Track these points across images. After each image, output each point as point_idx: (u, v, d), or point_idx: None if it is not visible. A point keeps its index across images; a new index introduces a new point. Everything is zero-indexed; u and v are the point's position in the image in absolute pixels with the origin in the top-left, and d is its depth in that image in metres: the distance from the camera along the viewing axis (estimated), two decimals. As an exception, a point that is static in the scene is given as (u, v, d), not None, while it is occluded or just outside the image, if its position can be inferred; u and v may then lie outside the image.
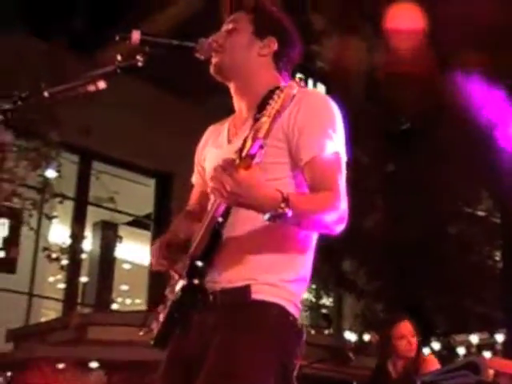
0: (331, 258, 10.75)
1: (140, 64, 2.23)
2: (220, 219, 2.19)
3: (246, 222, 2.19)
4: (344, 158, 2.22)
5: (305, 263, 2.27)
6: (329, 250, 10.24)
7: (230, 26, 2.41)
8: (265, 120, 1.94)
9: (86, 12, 8.76)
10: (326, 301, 12.55)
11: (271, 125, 1.94)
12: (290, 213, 1.98)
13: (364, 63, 11.25)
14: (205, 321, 2.19)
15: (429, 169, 10.25)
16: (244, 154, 1.96)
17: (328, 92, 12.62)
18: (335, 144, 2.18)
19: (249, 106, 2.34)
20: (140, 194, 12.03)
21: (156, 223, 11.99)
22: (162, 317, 2.28)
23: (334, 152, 2.17)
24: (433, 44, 9.65)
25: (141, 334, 2.35)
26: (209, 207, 2.23)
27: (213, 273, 2.20)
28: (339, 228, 2.15)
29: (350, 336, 10.58)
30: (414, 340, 4.64)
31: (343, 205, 2.12)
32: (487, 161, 9.31)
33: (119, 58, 2.22)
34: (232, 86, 2.42)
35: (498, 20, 7.94)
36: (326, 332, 12.32)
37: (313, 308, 12.30)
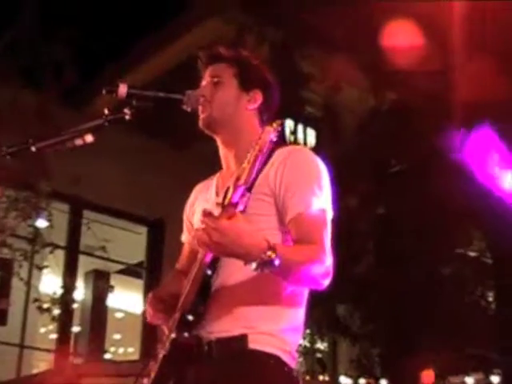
0: (324, 303, 10.71)
1: (127, 117, 2.26)
2: (209, 271, 2.19)
3: (236, 272, 2.18)
4: (330, 215, 2.25)
5: (298, 314, 2.28)
6: (322, 295, 10.22)
7: (215, 80, 2.44)
8: (244, 166, 1.97)
9: (76, 64, 8.79)
10: (321, 345, 12.46)
11: (251, 170, 1.97)
12: (277, 261, 1.98)
13: (355, 108, 11.35)
14: (201, 374, 2.16)
15: (420, 210, 10.27)
16: (226, 202, 1.98)
17: (318, 137, 12.69)
18: (321, 201, 2.22)
19: (236, 159, 2.38)
20: (132, 242, 11.99)
21: (148, 271, 11.93)
22: (152, 374, 2.24)
23: (319, 209, 2.21)
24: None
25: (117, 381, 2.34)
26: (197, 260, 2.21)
27: (205, 324, 2.19)
28: (325, 282, 2.17)
29: (346, 381, 10.51)
30: None
31: (329, 259, 2.15)
32: (479, 202, 9.34)
33: (106, 111, 2.24)
34: (219, 139, 2.45)
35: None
36: (321, 378, 12.20)
37: (307, 353, 12.19)
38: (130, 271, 12.41)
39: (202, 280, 2.18)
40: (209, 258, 2.15)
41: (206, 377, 2.14)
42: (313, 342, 11.97)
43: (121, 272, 12.40)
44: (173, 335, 2.20)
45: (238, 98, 2.42)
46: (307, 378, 11.23)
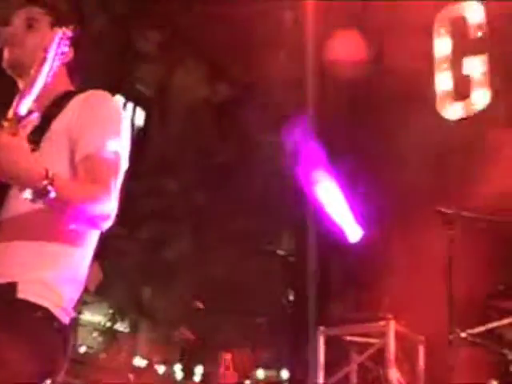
0: (129, 284, 10.69)
1: None
2: None
3: (18, 206, 2.10)
4: (124, 161, 2.23)
5: (76, 263, 2.21)
6: (127, 275, 10.20)
7: (29, 22, 2.37)
8: (31, 73, 1.93)
9: None
10: (121, 326, 12.40)
11: (35, 77, 1.92)
12: (52, 192, 1.91)
13: (187, 95, 11.37)
14: None
15: (237, 204, 10.46)
16: (10, 114, 1.92)
17: (147, 119, 12.62)
18: (114, 144, 2.18)
19: (37, 108, 2.30)
20: None
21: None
22: None
23: (111, 151, 2.17)
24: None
25: None
26: None
27: None
28: (105, 225, 2.14)
29: (140, 362, 10.52)
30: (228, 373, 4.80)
31: (112, 202, 2.11)
32: (290, 204, 9.61)
33: None
34: (21, 84, 2.37)
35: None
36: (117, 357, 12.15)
37: (106, 332, 12.10)
38: None
39: None
40: None
41: None
42: (113, 322, 11.89)
43: None
44: None
45: None
46: (104, 356, 11.17)
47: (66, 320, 2.17)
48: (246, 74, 10.27)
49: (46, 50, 1.98)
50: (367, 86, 7.54)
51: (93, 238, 2.27)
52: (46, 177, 1.92)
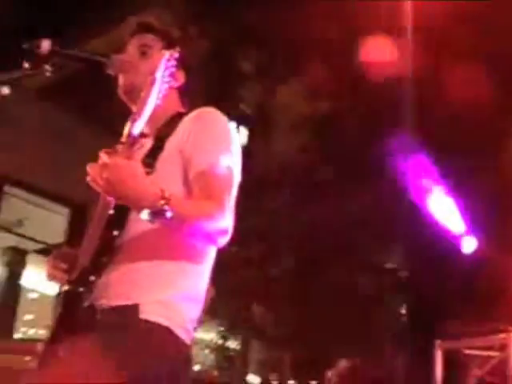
0: (240, 301, 10.76)
1: (48, 74, 2.20)
2: (115, 232, 2.14)
3: (136, 228, 2.14)
4: (237, 176, 2.24)
5: (195, 282, 2.23)
6: (237, 293, 10.27)
7: (143, 49, 2.42)
8: (141, 96, 1.96)
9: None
10: (232, 343, 12.48)
11: (145, 100, 1.97)
12: (169, 212, 1.94)
13: (288, 112, 11.42)
14: (92, 342, 2.06)
15: (343, 217, 10.41)
16: (123, 138, 1.96)
17: (251, 137, 12.73)
18: (228, 159, 2.20)
19: (150, 125, 2.35)
20: (52, 222, 11.79)
21: (66, 253, 11.73)
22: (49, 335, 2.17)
23: (224, 167, 2.19)
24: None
25: (27, 359, 2.24)
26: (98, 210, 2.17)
27: (102, 287, 2.13)
28: (222, 241, 2.15)
29: (253, 379, 10.55)
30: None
31: (227, 217, 2.12)
32: (401, 216, 9.50)
33: (26, 65, 2.18)
34: (134, 109, 2.41)
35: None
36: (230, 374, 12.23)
37: (218, 350, 12.20)
38: (48, 251, 12.18)
39: (102, 234, 2.14)
40: (110, 209, 2.10)
41: (96, 345, 2.04)
42: (225, 339, 11.98)
43: (38, 252, 12.16)
44: (65, 287, 2.15)
45: None
46: (215, 373, 11.26)
47: (188, 340, 2.19)
48: (346, 89, 10.26)
49: (153, 73, 2.03)
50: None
51: (211, 255, 2.29)
52: (163, 197, 1.95)
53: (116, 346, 2.04)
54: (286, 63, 10.87)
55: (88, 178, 2.00)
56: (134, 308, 2.11)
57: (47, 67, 2.19)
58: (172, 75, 2.07)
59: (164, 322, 2.12)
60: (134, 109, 2.25)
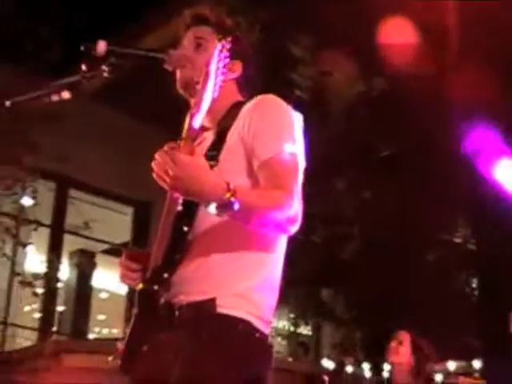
0: (309, 286, 10.74)
1: (105, 74, 2.22)
2: (185, 227, 2.14)
3: (207, 223, 2.14)
4: (302, 162, 2.22)
5: (269, 270, 2.22)
6: (306, 279, 10.26)
7: (198, 42, 2.42)
8: (198, 92, 1.99)
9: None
10: (304, 329, 12.48)
11: (202, 93, 1.96)
12: (236, 204, 1.93)
13: (343, 93, 11.33)
14: (172, 340, 2.10)
15: (407, 196, 10.29)
16: (184, 133, 1.95)
17: (305, 122, 12.67)
18: (292, 146, 2.17)
19: (211, 118, 2.34)
20: (117, 223, 11.96)
21: (133, 252, 11.87)
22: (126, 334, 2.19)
23: (289, 153, 2.16)
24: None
25: (109, 359, 2.26)
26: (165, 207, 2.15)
27: (177, 284, 2.14)
28: (292, 229, 2.13)
29: (328, 364, 10.52)
30: (398, 347, 4.80)
31: (296, 205, 2.09)
32: (466, 189, 9.38)
33: (84, 67, 2.20)
34: (193, 103, 2.41)
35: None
36: (304, 360, 12.24)
37: (290, 337, 12.22)
38: (115, 251, 12.35)
39: (173, 231, 2.13)
40: (179, 205, 2.09)
41: (177, 343, 2.08)
42: (296, 326, 11.99)
43: (106, 252, 12.36)
44: (140, 286, 2.16)
45: None
46: (290, 359, 11.29)
47: (266, 330, 2.18)
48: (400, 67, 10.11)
49: (207, 65, 2.01)
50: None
51: (282, 244, 2.27)
52: (228, 190, 1.93)
53: (195, 343, 2.06)
54: (339, 44, 10.77)
55: (154, 175, 1.98)
56: (212, 302, 2.11)
57: (104, 68, 2.20)
58: (226, 66, 2.05)
59: (243, 315, 2.12)
60: (192, 103, 2.23)
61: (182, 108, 2.41)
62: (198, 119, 1.99)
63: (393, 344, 4.99)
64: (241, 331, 2.10)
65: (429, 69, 8.72)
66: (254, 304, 2.14)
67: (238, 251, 2.16)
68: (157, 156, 1.97)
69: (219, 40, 2.24)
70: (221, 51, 2.04)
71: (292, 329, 11.97)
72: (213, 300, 2.11)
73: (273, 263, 2.24)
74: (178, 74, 2.38)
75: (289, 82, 10.86)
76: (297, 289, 10.28)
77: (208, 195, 1.95)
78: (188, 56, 2.36)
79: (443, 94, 8.58)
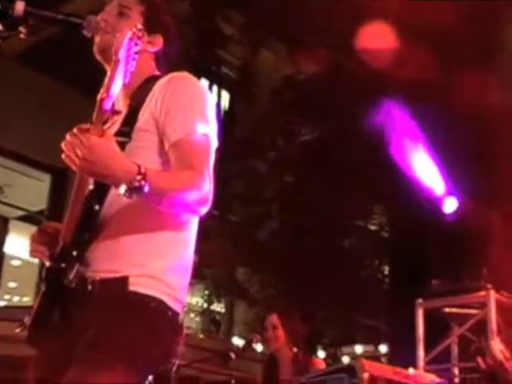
0: (223, 264, 10.80)
1: (22, 36, 2.17)
2: (97, 207, 2.13)
3: (118, 202, 2.12)
4: (214, 143, 2.21)
5: (182, 252, 2.23)
6: (222, 257, 10.31)
7: (121, 10, 2.39)
8: (108, 77, 1.96)
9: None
10: (217, 307, 12.56)
11: (111, 79, 1.94)
12: (146, 187, 1.93)
13: (271, 74, 11.37)
14: (83, 315, 2.07)
15: (327, 181, 10.41)
16: (94, 116, 1.93)
17: (232, 100, 12.69)
18: (203, 126, 2.17)
19: (124, 93, 2.31)
20: (34, 189, 11.72)
21: (49, 219, 11.68)
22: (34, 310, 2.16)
23: (201, 133, 2.16)
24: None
25: (17, 330, 2.23)
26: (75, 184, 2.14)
27: (90, 260, 2.12)
28: (202, 210, 2.14)
29: (238, 341, 10.64)
30: (276, 333, 4.85)
31: (207, 186, 2.10)
32: (383, 177, 9.52)
33: (0, 27, 2.15)
34: (108, 69, 2.37)
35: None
36: (215, 337, 12.33)
37: (204, 313, 12.29)
38: (30, 218, 12.12)
39: (84, 209, 2.13)
40: (90, 184, 2.09)
41: (87, 318, 2.06)
42: (210, 303, 12.06)
43: (20, 219, 12.11)
44: (47, 264, 2.14)
45: None
46: (201, 336, 11.36)
47: (178, 308, 2.19)
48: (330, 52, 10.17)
49: (116, 53, 1.99)
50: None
51: (194, 224, 2.28)
52: (139, 172, 1.93)
53: (108, 320, 2.06)
54: (269, 25, 10.78)
55: (63, 156, 1.95)
56: (124, 280, 2.10)
57: (22, 29, 2.15)
58: (137, 53, 2.03)
59: (155, 294, 2.12)
60: (108, 69, 2.21)
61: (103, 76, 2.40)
62: (109, 103, 1.97)
63: (270, 332, 5.05)
64: (153, 309, 2.11)
65: (356, 55, 8.79)
66: (166, 283, 2.14)
67: (150, 231, 2.15)
68: (67, 137, 1.94)
69: (145, 13, 2.24)
70: (131, 39, 2.02)
71: (205, 305, 12.03)
72: (125, 278, 2.10)
73: (184, 243, 2.24)
74: (96, 39, 2.35)
75: (217, 60, 10.86)
76: (212, 266, 10.33)
77: (118, 178, 1.94)
78: (107, 21, 2.33)
79: (366, 81, 8.69)
